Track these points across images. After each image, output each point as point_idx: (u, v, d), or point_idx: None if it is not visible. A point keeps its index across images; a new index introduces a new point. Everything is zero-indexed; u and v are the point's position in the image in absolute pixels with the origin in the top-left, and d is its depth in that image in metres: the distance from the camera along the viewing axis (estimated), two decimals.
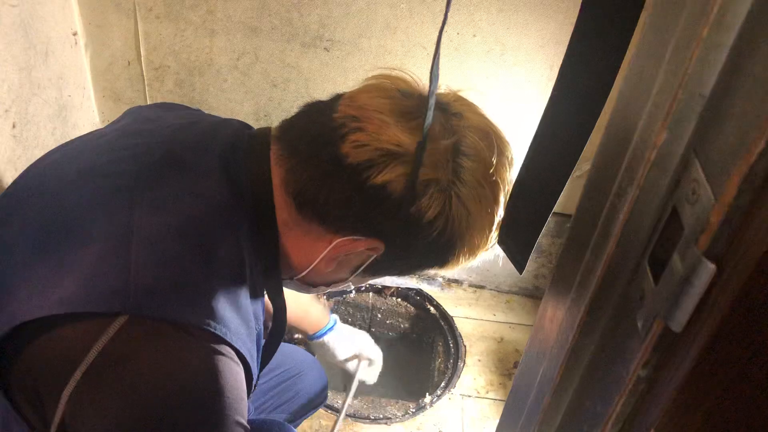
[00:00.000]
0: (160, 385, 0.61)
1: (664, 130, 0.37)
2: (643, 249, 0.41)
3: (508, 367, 1.77)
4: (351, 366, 1.53)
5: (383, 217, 0.73)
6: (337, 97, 0.78)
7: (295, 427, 1.40)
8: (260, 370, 0.99)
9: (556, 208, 0.65)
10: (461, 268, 0.83)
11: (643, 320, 0.39)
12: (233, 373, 0.65)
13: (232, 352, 0.66)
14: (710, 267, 0.33)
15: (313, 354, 1.54)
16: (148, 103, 1.73)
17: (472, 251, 0.80)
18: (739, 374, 0.35)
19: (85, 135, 0.85)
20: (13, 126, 1.33)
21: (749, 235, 0.32)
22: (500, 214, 0.79)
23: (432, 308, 1.92)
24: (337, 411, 1.56)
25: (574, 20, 0.54)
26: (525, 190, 0.69)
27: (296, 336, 1.73)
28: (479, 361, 1.78)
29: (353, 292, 1.94)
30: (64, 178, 0.73)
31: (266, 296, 0.85)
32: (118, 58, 1.66)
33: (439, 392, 1.67)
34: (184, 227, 0.68)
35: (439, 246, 0.77)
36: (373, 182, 0.70)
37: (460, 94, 0.81)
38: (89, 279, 0.62)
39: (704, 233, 0.33)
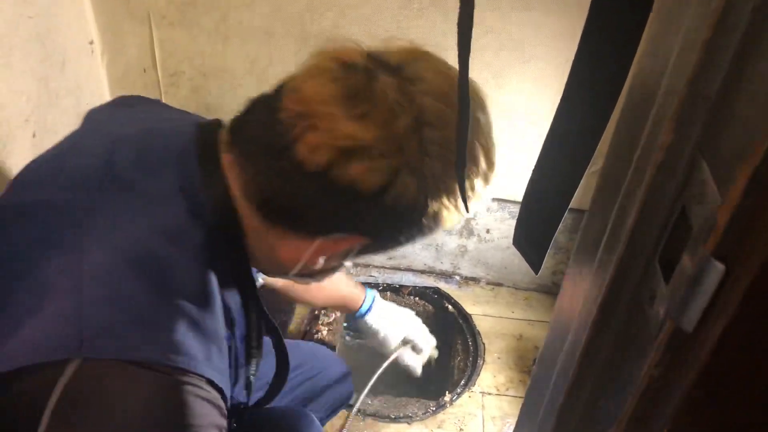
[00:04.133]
0: (122, 425, 0.60)
1: (670, 131, 0.37)
2: (653, 249, 0.41)
3: (528, 364, 1.77)
4: (402, 353, 1.48)
5: (359, 214, 0.70)
6: (281, 87, 0.72)
7: (322, 425, 1.40)
8: (274, 396, 0.99)
9: (574, 205, 0.64)
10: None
11: (655, 320, 0.40)
12: (201, 402, 0.64)
13: (201, 380, 0.65)
14: (719, 267, 0.33)
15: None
16: None
17: (461, 211, 0.75)
18: (751, 372, 0.36)
19: (46, 154, 0.81)
20: (33, 136, 1.35)
21: (757, 235, 0.32)
22: (482, 166, 0.73)
23: (450, 306, 1.92)
24: (358, 411, 1.57)
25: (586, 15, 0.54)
26: (539, 189, 0.69)
27: (317, 334, 1.74)
28: (499, 358, 1.78)
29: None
30: (17, 209, 0.72)
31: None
32: (134, 65, 1.68)
33: (459, 390, 1.67)
34: (135, 258, 0.65)
35: (426, 222, 0.73)
36: (338, 183, 0.67)
37: (414, 46, 0.74)
38: (43, 327, 0.61)
39: (712, 233, 0.33)
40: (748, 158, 0.31)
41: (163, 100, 1.73)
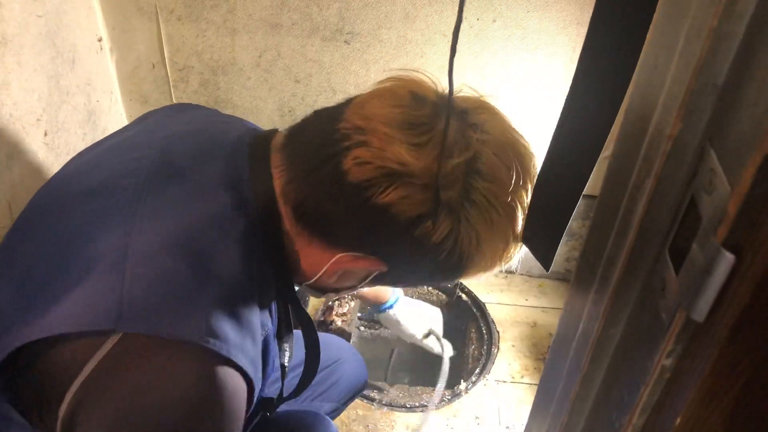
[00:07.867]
0: (152, 402, 0.61)
1: (678, 120, 0.37)
2: (664, 239, 0.41)
3: (543, 351, 1.77)
4: (429, 343, 1.57)
5: (385, 239, 0.71)
6: (348, 102, 0.74)
7: (338, 414, 1.43)
8: (301, 389, 1.00)
9: (586, 191, 0.63)
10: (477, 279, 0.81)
11: (666, 310, 0.39)
12: (228, 389, 0.64)
13: (230, 368, 0.65)
14: (729, 257, 0.33)
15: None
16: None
17: (485, 268, 0.77)
18: (763, 362, 0.35)
19: (98, 144, 0.85)
20: (45, 134, 1.36)
21: (767, 224, 0.32)
22: (517, 231, 0.77)
23: (463, 295, 1.92)
24: (373, 400, 1.58)
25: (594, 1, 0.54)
26: (549, 180, 0.69)
27: (331, 325, 1.74)
28: (513, 346, 1.78)
29: None
30: (72, 196, 0.74)
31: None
32: (143, 61, 1.68)
33: (474, 379, 1.68)
34: (179, 240, 0.67)
35: (448, 266, 0.74)
36: (374, 202, 0.68)
37: (484, 99, 0.76)
38: (85, 299, 0.62)
39: (722, 223, 0.33)
40: (757, 147, 0.31)
41: (173, 95, 1.74)
